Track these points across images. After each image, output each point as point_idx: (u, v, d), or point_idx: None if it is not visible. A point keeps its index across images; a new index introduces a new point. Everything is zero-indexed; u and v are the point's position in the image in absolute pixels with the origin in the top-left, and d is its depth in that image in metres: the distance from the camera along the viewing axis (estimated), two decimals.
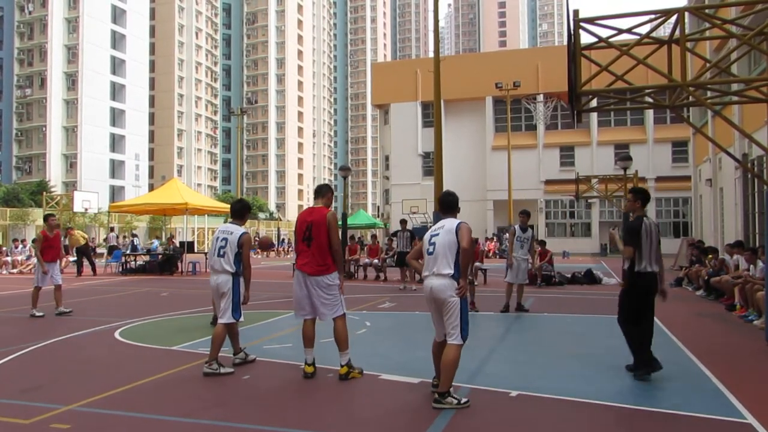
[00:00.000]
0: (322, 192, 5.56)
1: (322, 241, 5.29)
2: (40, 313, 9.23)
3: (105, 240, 26.46)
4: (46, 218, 9.81)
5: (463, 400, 4.44)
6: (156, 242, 26.09)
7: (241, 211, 5.97)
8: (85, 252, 19.34)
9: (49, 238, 9.52)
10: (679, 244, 25.05)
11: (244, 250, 5.66)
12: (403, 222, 15.63)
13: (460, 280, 4.51)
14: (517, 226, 10.14)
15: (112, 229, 28.07)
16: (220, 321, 5.64)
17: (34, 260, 20.55)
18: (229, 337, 5.75)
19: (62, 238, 10.53)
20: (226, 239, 5.66)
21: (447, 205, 4.89)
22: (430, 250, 4.66)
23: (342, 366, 5.28)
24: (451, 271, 4.51)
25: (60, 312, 9.39)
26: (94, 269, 19.10)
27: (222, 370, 5.46)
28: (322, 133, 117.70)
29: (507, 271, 10.01)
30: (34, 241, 22.67)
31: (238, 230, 5.71)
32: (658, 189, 39.67)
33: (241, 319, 5.74)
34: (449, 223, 4.68)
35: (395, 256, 15.66)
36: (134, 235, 26.79)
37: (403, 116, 45.53)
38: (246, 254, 5.69)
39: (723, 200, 20.76)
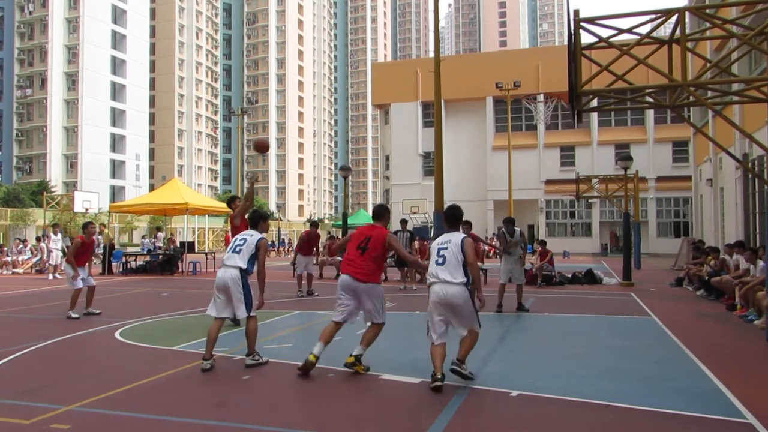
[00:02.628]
0: (381, 214, 6.01)
1: (377, 255, 5.64)
2: (76, 315, 9.17)
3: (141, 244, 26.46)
4: (85, 225, 9.95)
5: (472, 373, 5.14)
6: (148, 240, 25.75)
7: (254, 220, 6.26)
8: (106, 251, 19.88)
9: (86, 244, 9.73)
10: (680, 244, 25.07)
11: (260, 254, 5.90)
12: (404, 222, 15.63)
13: (478, 293, 5.13)
14: (504, 231, 10.35)
15: (144, 237, 27.94)
16: (238, 316, 5.86)
17: (34, 260, 20.76)
18: (210, 338, 5.77)
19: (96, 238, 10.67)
20: (245, 239, 5.97)
21: (453, 218, 5.47)
22: (440, 261, 5.17)
23: (352, 356, 5.47)
24: (464, 279, 5.05)
25: (89, 312, 9.48)
26: (107, 270, 19.60)
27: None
28: (322, 133, 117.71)
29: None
30: (36, 240, 22.73)
31: (257, 234, 6.04)
32: (658, 189, 39.68)
33: (252, 313, 5.86)
34: (455, 238, 5.21)
35: (395, 256, 15.62)
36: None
37: (404, 116, 45.52)
38: (262, 258, 5.90)
39: (723, 200, 20.76)
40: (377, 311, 5.59)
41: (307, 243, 13.28)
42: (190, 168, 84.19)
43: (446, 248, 5.15)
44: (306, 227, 17.41)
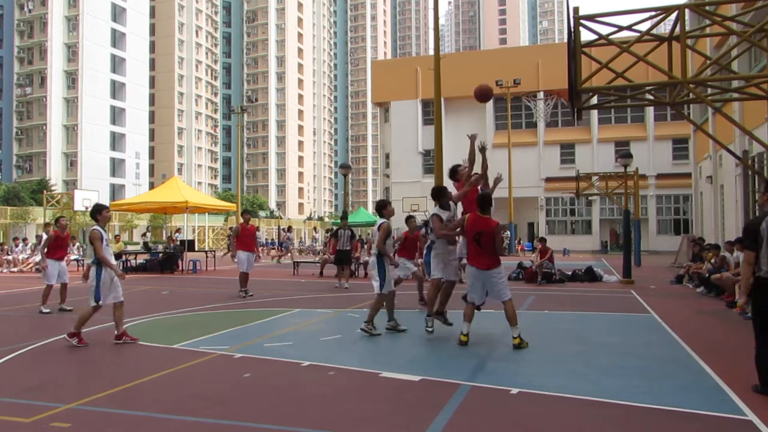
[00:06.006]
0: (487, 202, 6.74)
1: (489, 245, 6.58)
2: (47, 310, 9.48)
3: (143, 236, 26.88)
4: (57, 220, 10.14)
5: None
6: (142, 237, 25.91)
7: None
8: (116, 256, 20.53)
9: (60, 238, 9.88)
10: (680, 241, 25.07)
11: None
12: (344, 218, 15.72)
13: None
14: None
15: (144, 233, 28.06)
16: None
17: (36, 258, 20.77)
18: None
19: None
20: None
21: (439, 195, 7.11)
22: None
23: (515, 338, 6.42)
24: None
25: (61, 308, 9.68)
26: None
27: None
28: (322, 131, 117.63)
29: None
30: (36, 238, 22.95)
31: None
32: (658, 186, 39.67)
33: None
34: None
35: (336, 255, 14.70)
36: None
37: (404, 114, 45.48)
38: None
39: (723, 197, 20.75)
40: (503, 288, 6.62)
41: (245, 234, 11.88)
42: (190, 166, 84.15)
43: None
44: (308, 224, 17.32)
